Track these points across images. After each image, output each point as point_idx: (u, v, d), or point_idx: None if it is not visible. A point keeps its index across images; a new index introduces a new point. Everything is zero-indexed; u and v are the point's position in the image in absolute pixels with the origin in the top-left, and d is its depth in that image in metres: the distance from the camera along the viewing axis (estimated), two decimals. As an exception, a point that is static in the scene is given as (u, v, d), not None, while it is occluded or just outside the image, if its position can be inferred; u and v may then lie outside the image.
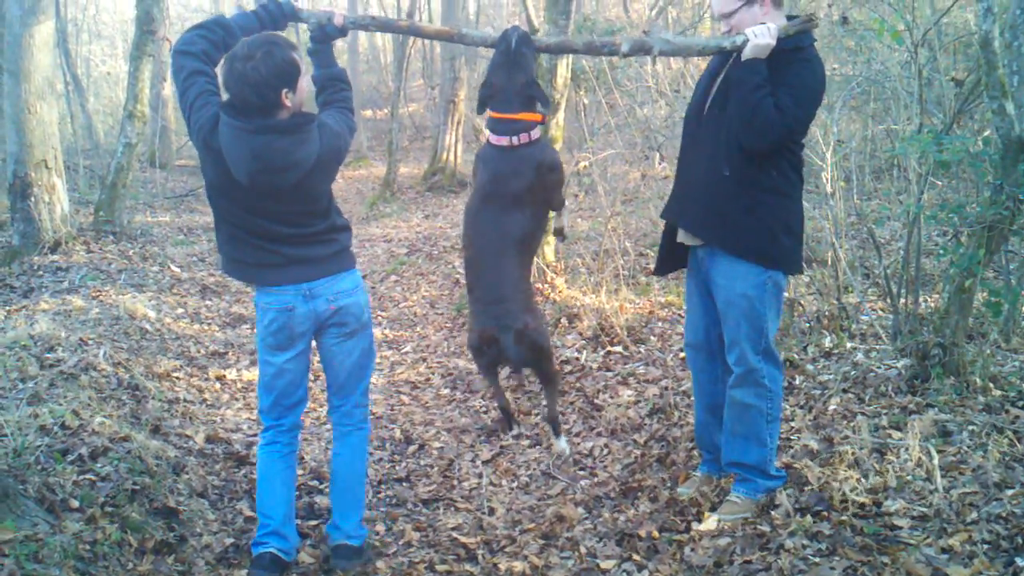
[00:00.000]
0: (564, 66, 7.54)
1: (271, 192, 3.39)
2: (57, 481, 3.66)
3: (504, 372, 4.95)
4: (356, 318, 3.72)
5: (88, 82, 22.66)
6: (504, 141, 3.59)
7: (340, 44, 26.50)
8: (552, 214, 4.00)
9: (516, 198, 3.63)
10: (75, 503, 3.57)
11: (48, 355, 5.37)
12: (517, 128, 3.58)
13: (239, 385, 6.23)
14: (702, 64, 11.09)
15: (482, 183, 3.70)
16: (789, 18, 3.63)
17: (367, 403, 3.96)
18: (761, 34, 3.46)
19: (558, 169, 3.83)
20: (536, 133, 3.65)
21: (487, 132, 3.70)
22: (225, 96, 3.38)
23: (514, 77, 3.56)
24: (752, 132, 3.51)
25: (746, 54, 3.50)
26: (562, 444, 4.18)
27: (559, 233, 4.12)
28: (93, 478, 3.83)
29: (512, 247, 3.68)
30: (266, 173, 3.31)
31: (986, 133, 5.34)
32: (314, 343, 3.80)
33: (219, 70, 3.43)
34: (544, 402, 4.31)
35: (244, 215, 3.49)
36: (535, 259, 7.39)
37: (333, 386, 3.87)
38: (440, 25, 4.19)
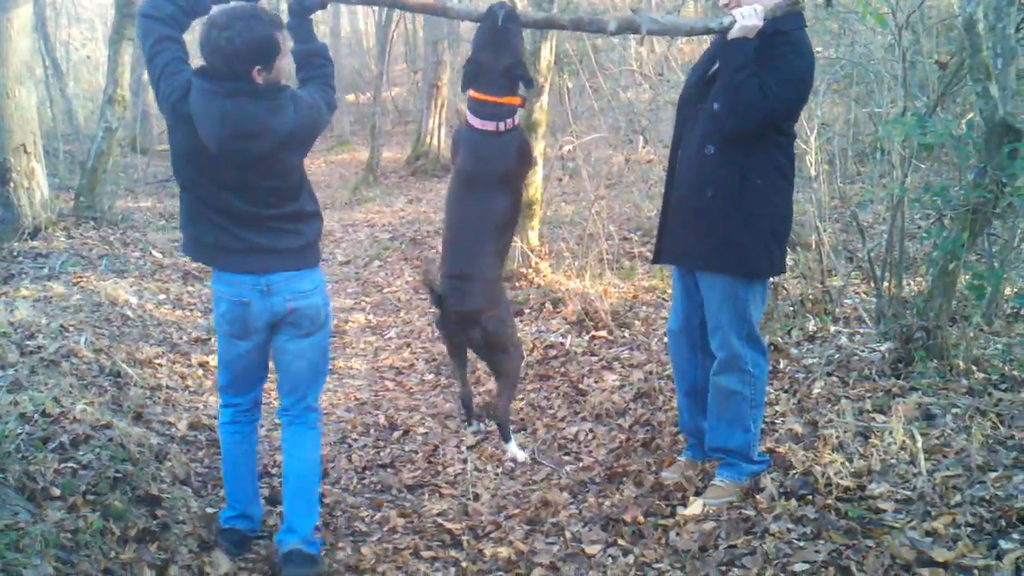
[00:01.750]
0: (548, 49, 7.51)
1: (241, 161, 3.28)
2: (38, 469, 3.61)
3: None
4: (311, 320, 3.59)
5: (68, 66, 22.45)
6: (491, 126, 3.52)
7: (322, 28, 26.38)
8: None
9: (500, 182, 3.58)
10: (56, 491, 3.53)
11: (28, 342, 5.32)
12: (502, 113, 3.51)
13: (222, 371, 6.20)
14: (685, 48, 11.08)
15: (465, 166, 3.63)
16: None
17: (319, 407, 3.82)
18: (748, 15, 3.45)
19: (532, 151, 3.86)
20: (518, 118, 3.61)
21: (468, 114, 3.64)
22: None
23: (500, 56, 3.48)
24: (736, 113, 3.52)
25: (733, 34, 3.49)
26: (514, 449, 4.04)
27: None
28: (75, 466, 3.79)
29: (492, 230, 3.63)
30: (237, 139, 3.22)
31: (969, 116, 5.35)
32: None
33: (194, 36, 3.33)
34: (494, 398, 4.09)
35: (210, 187, 3.38)
36: (519, 244, 7.42)
37: (285, 386, 3.72)
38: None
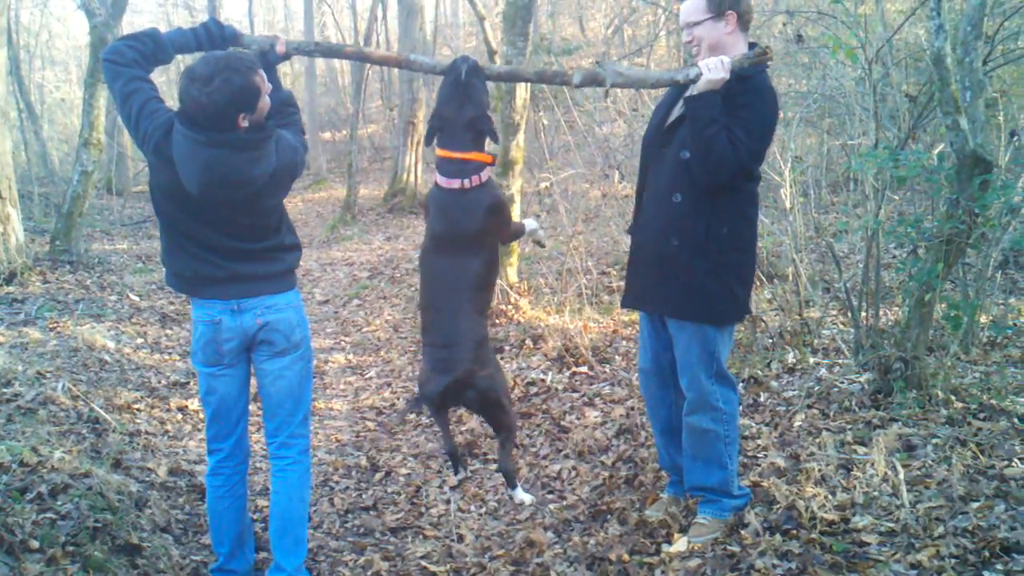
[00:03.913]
0: (523, 87, 7.55)
1: (222, 202, 3.32)
2: (16, 521, 3.57)
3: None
4: (284, 336, 3.58)
5: (42, 109, 22.42)
6: (455, 184, 3.51)
7: (297, 67, 26.45)
8: (532, 226, 4.02)
9: (469, 241, 3.56)
10: (35, 543, 3.49)
11: (5, 390, 5.28)
12: (467, 170, 3.50)
13: (201, 415, 6.13)
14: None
15: (434, 227, 3.63)
16: (751, 45, 3.65)
17: (306, 434, 3.81)
18: (714, 68, 3.44)
19: (505, 208, 3.78)
20: (486, 175, 3.58)
21: (436, 174, 3.61)
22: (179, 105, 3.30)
23: (464, 110, 3.48)
24: (708, 168, 3.49)
25: (699, 87, 3.48)
26: (520, 495, 4.05)
27: (539, 243, 4.29)
28: (53, 516, 3.75)
29: (466, 291, 3.60)
30: (217, 186, 3.24)
31: (940, 148, 5.42)
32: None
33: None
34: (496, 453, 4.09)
35: (191, 223, 3.40)
36: (499, 281, 7.42)
37: (268, 411, 3.72)
38: (387, 51, 4.12)
